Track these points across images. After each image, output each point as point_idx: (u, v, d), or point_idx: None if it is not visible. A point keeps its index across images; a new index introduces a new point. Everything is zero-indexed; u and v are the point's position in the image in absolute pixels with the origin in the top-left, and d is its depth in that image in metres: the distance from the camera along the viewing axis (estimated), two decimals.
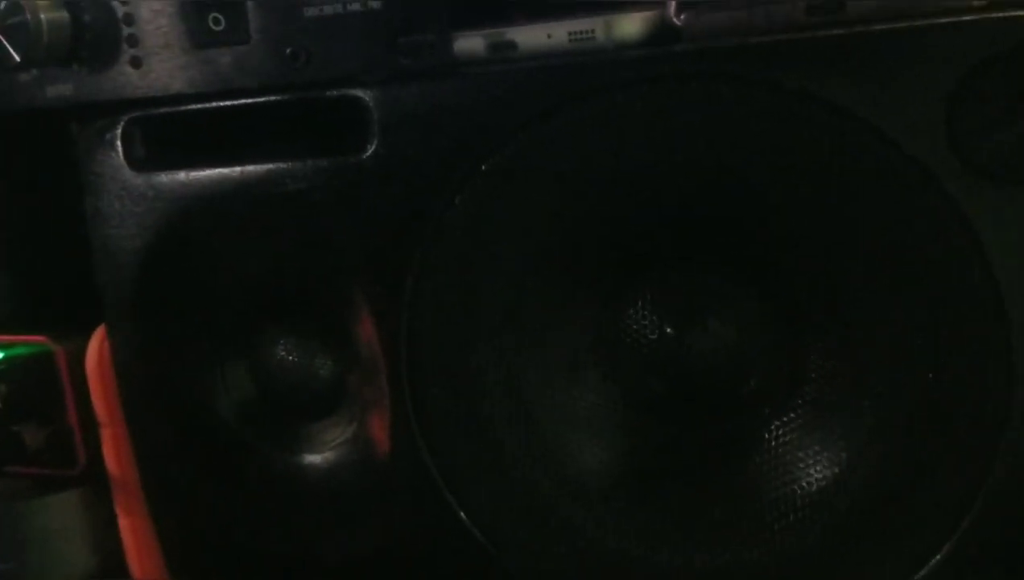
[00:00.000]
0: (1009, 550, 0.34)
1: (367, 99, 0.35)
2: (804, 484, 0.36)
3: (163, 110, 0.38)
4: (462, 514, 0.38)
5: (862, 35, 0.32)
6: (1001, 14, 0.30)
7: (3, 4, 0.36)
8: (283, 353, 0.41)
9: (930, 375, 0.34)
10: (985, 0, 0.31)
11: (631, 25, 0.33)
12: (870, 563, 0.35)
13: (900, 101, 0.32)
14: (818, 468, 0.36)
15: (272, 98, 0.37)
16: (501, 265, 0.36)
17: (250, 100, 0.37)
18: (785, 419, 0.37)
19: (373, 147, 0.36)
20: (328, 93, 0.36)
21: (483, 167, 0.35)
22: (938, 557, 0.34)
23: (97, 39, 0.37)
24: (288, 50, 0.35)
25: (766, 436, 0.37)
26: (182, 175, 0.38)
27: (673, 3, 0.33)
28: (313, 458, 0.41)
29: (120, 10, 0.37)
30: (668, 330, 0.39)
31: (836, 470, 0.35)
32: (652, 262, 0.38)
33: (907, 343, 0.34)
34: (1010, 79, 0.30)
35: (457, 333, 0.37)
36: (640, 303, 0.39)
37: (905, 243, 0.33)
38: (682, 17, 0.33)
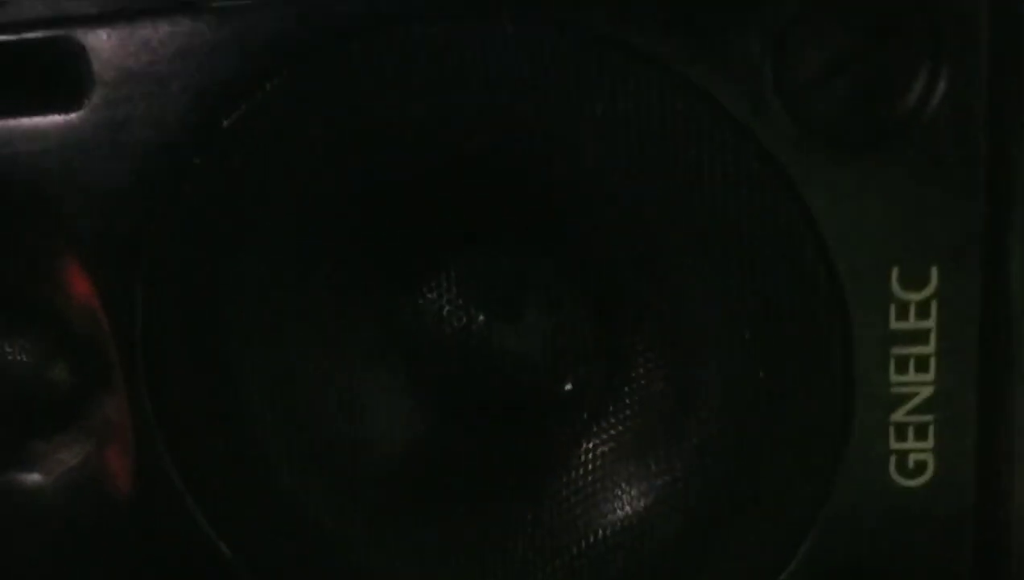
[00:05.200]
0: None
1: (82, 42, 0.28)
2: (614, 513, 0.31)
3: None
4: (224, 549, 0.32)
5: None
6: None
7: None
8: (7, 354, 0.34)
9: (761, 375, 0.29)
10: None
11: None
12: None
13: (722, 56, 0.26)
14: (634, 494, 0.31)
15: None
16: (261, 242, 0.30)
17: None
18: (603, 428, 0.32)
19: (91, 102, 0.29)
20: (33, 35, 0.29)
21: (224, 123, 0.28)
22: None
23: None
24: None
25: (580, 449, 0.32)
26: None
27: None
28: (42, 479, 0.34)
29: None
30: (477, 318, 0.33)
31: (651, 499, 0.31)
32: (457, 240, 0.32)
33: (736, 337, 0.29)
34: (839, 25, 0.25)
35: (208, 330, 0.31)
36: (445, 286, 0.33)
37: (730, 220, 0.28)
38: None
